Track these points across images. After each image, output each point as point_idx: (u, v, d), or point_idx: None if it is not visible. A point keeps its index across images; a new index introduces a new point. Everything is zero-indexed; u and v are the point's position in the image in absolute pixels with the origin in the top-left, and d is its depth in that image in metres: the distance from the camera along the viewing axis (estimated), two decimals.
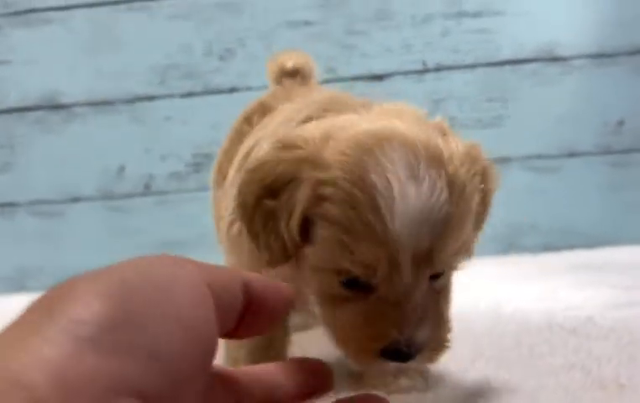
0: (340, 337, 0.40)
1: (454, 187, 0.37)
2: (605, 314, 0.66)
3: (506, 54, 1.18)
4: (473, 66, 1.19)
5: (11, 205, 1.21)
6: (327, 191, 0.37)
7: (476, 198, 0.40)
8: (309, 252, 0.40)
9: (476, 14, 1.18)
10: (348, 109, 0.46)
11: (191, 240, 1.19)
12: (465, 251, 0.40)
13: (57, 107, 1.19)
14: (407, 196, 0.36)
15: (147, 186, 1.20)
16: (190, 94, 1.19)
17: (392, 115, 0.42)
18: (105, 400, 0.19)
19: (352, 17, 1.18)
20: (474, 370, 0.54)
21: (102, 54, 1.19)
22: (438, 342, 0.39)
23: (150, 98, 1.19)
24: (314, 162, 0.38)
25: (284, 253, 0.40)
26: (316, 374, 0.31)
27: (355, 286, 0.38)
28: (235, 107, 1.15)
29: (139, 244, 1.20)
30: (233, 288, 0.26)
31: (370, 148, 0.37)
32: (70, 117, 1.19)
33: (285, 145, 0.40)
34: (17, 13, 1.18)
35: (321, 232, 0.38)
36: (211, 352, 0.24)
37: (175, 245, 1.19)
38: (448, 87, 1.19)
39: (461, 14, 1.18)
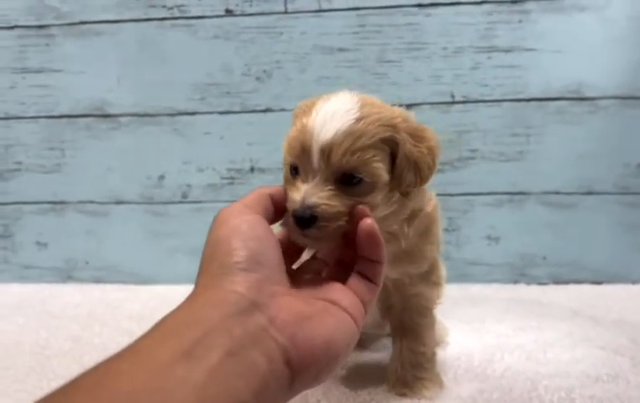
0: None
1: (366, 118, 0.54)
2: (585, 390, 0.73)
3: (534, 91, 1.22)
4: (500, 101, 1.22)
5: (62, 203, 1.33)
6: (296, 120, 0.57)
7: (377, 143, 0.54)
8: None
9: (508, 50, 1.21)
10: None
11: None
12: (369, 170, 0.54)
13: (105, 116, 1.29)
14: (328, 108, 0.54)
15: (184, 195, 1.29)
16: (228, 112, 1.26)
17: None
18: (264, 287, 0.41)
19: (385, 46, 1.23)
20: None
21: (148, 68, 1.27)
22: (328, 214, 0.51)
23: (191, 113, 1.27)
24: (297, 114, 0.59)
25: None
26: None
27: (296, 173, 0.55)
28: (269, 127, 1.25)
29: (173, 247, 1.31)
30: (267, 201, 0.50)
31: (327, 96, 0.57)
32: (117, 126, 1.29)
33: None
34: (70, 25, 1.26)
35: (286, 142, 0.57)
36: (280, 252, 0.46)
37: None
38: (473, 120, 1.23)
39: (492, 49, 1.21)
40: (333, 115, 0.53)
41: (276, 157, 1.25)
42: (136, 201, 1.31)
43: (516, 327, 0.99)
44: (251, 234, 0.44)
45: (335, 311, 0.45)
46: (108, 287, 1.29)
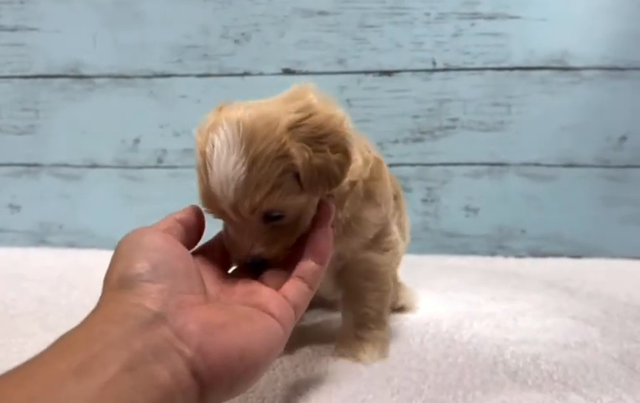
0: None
1: (255, 161, 0.50)
2: (552, 356, 0.72)
3: (517, 60, 1.19)
4: (482, 69, 1.20)
5: (36, 165, 1.30)
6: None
7: (277, 178, 0.51)
8: None
9: (491, 17, 1.19)
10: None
11: None
12: (282, 207, 0.53)
13: (80, 77, 1.26)
14: (218, 166, 0.51)
15: (160, 160, 1.27)
16: (205, 75, 1.24)
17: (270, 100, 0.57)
18: (169, 298, 0.41)
19: (366, 10, 1.20)
20: None
21: (124, 28, 1.24)
22: (274, 254, 0.54)
23: (167, 76, 1.25)
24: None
25: None
26: None
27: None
28: (247, 91, 1.22)
29: (148, 212, 1.28)
30: (176, 225, 0.49)
31: (214, 127, 0.52)
32: (92, 88, 1.26)
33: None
34: None
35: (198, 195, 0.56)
36: (191, 261, 0.47)
37: None
38: (454, 88, 1.21)
39: (476, 16, 1.19)
40: (225, 172, 0.50)
41: None
42: (111, 164, 1.29)
43: (488, 297, 0.97)
44: (152, 247, 0.44)
45: (258, 316, 0.45)
46: (82, 252, 1.27)
